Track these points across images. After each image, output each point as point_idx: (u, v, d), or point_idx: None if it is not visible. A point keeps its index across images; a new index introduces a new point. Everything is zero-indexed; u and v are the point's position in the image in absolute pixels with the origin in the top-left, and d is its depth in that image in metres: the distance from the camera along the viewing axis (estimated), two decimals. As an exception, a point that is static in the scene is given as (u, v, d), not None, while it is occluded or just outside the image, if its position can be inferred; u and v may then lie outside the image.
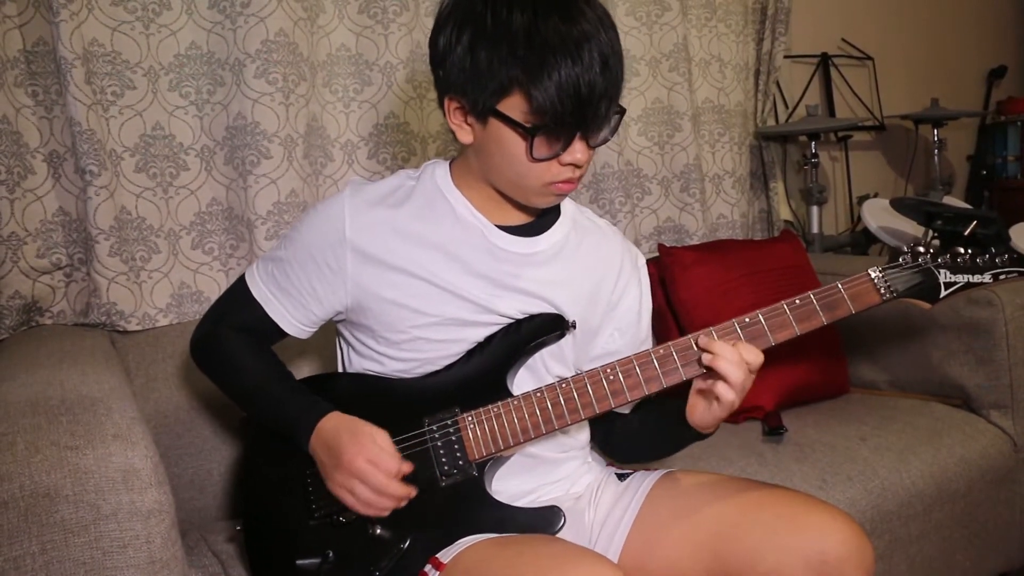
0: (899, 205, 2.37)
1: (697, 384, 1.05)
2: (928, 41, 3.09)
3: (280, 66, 1.57)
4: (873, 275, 1.07)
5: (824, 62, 2.77)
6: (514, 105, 0.97)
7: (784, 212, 2.55)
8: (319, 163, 1.70)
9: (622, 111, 1.03)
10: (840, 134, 2.81)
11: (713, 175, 2.24)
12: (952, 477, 1.54)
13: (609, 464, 1.26)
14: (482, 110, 1.00)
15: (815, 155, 2.42)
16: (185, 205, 1.59)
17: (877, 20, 2.91)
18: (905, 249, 1.09)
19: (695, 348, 1.04)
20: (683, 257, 1.81)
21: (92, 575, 0.81)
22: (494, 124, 1.00)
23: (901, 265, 1.08)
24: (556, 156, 1.00)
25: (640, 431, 1.19)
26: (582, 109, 0.97)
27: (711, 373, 1.02)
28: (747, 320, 1.04)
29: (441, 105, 1.06)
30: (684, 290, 1.79)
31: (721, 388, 1.00)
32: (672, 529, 1.09)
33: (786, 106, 2.63)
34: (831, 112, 2.80)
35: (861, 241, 2.64)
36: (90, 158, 1.43)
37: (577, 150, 1.00)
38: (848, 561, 0.99)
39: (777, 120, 2.54)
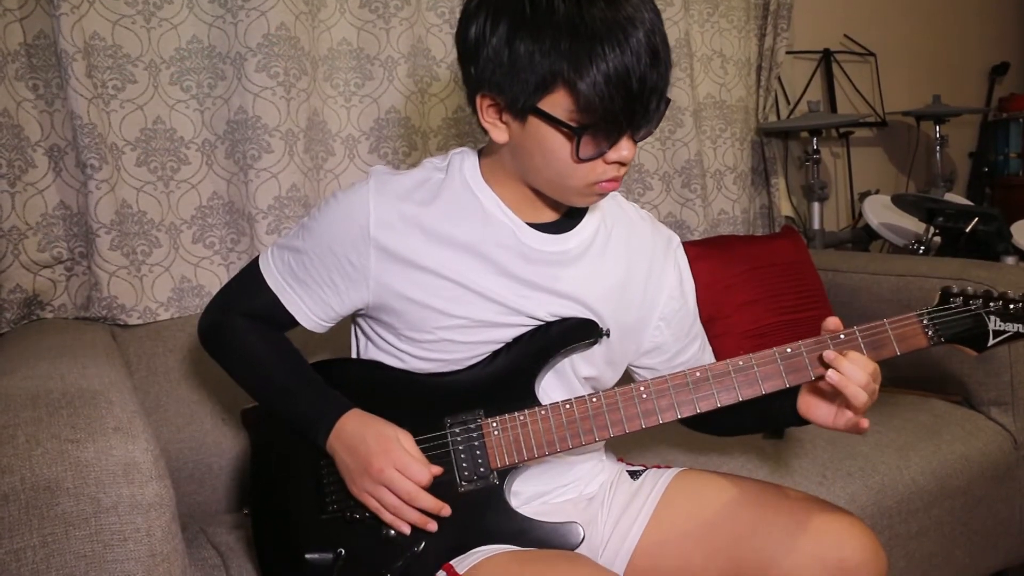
0: (900, 201, 2.38)
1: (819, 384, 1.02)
2: (930, 37, 3.08)
3: (281, 60, 1.57)
4: (923, 318, 1.03)
5: (826, 58, 2.76)
6: (557, 102, 0.91)
7: (785, 208, 2.55)
8: (320, 157, 1.70)
9: (668, 101, 0.95)
10: (842, 130, 2.80)
11: (714, 171, 2.23)
12: (952, 474, 1.54)
13: (620, 459, 1.24)
14: (521, 108, 0.93)
15: (816, 151, 2.42)
16: (186, 199, 1.58)
17: (879, 16, 2.90)
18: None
19: (731, 375, 1.01)
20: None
21: (93, 568, 0.81)
22: (534, 123, 0.93)
23: (951, 308, 1.03)
24: (602, 155, 0.94)
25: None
26: (632, 106, 0.90)
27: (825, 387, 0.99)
28: (788, 351, 1.01)
29: (471, 102, 0.99)
30: (685, 286, 1.78)
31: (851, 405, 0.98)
32: (687, 530, 1.08)
33: (788, 102, 2.62)
34: (833, 108, 2.79)
35: (862, 237, 2.64)
36: (91, 152, 1.43)
37: (624, 147, 0.94)
38: (865, 567, 1.00)
39: (779, 116, 2.53)
